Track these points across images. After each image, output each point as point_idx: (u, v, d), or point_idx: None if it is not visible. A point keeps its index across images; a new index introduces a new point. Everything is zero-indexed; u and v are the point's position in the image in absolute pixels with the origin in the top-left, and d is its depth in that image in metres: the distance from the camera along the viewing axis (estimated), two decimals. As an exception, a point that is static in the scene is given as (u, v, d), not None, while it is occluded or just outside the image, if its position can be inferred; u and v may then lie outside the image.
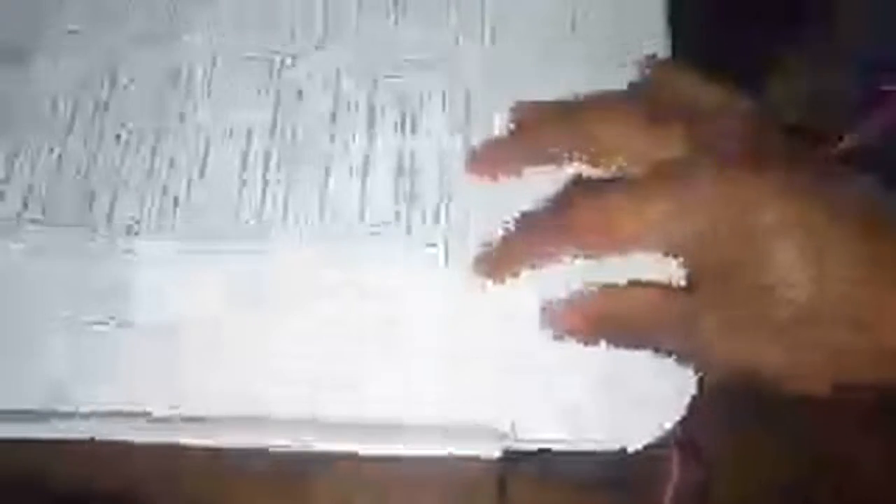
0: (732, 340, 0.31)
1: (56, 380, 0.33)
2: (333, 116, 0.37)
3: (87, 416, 0.32)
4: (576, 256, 0.33)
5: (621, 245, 0.32)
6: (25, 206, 0.36)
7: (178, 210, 0.36)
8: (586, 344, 0.33)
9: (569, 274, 0.33)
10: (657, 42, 0.38)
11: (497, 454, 0.32)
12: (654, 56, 0.37)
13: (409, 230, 0.35)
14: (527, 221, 0.34)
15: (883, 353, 0.30)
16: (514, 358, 0.33)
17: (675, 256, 0.32)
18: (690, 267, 0.32)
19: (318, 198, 0.36)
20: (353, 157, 0.37)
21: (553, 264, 0.33)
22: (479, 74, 0.38)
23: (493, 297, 0.34)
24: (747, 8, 0.41)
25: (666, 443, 0.33)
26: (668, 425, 0.32)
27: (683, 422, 0.32)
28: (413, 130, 0.37)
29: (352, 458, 0.32)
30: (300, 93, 0.38)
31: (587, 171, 0.34)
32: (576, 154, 0.34)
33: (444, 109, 0.38)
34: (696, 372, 0.32)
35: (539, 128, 0.36)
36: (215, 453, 0.32)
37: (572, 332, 0.33)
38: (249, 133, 0.37)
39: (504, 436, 0.32)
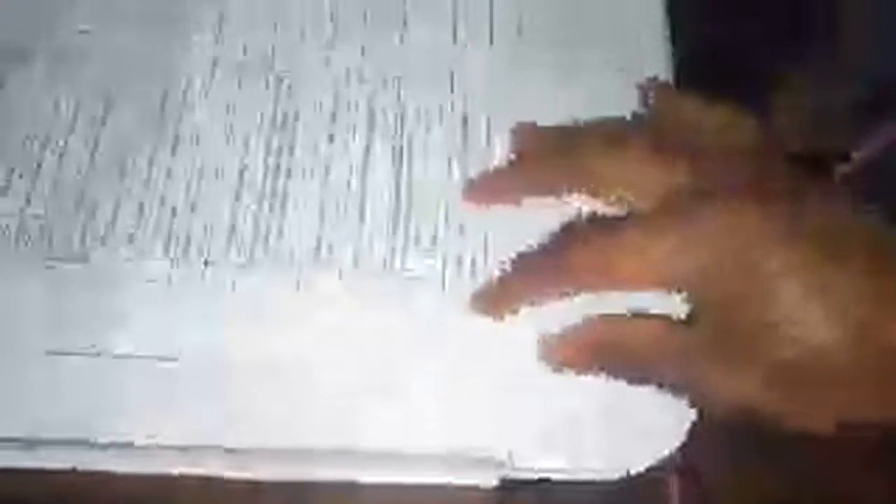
0: (733, 377, 0.30)
1: (43, 409, 0.32)
2: (331, 138, 0.37)
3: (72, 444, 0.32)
4: (575, 295, 0.32)
5: (621, 284, 0.32)
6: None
7: (172, 230, 0.35)
8: (585, 375, 0.32)
9: (568, 307, 0.32)
10: (659, 62, 0.38)
11: (495, 483, 0.32)
12: (655, 78, 0.37)
13: (405, 262, 0.35)
14: (524, 262, 0.34)
15: (887, 391, 0.30)
16: (511, 387, 0.33)
17: (678, 291, 0.31)
18: (692, 301, 0.31)
19: (316, 231, 0.35)
20: (350, 185, 0.36)
21: (552, 303, 0.33)
22: (480, 94, 0.38)
23: (492, 328, 0.33)
24: (749, 26, 0.41)
25: (666, 469, 0.33)
26: (668, 451, 0.32)
27: (683, 448, 0.32)
28: (410, 158, 0.37)
29: (349, 486, 0.32)
30: (297, 113, 0.38)
31: (588, 202, 0.34)
32: (576, 187, 0.34)
33: (442, 134, 0.37)
34: (694, 406, 0.32)
35: (539, 159, 0.35)
36: (206, 482, 0.31)
37: (568, 364, 0.32)
38: (243, 158, 0.37)
39: (501, 464, 0.32)
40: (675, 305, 0.32)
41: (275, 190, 0.36)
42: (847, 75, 0.41)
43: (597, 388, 0.32)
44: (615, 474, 0.32)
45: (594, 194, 0.33)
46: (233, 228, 0.35)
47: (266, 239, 0.35)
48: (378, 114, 0.38)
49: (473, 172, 0.36)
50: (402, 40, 0.40)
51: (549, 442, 0.32)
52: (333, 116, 0.38)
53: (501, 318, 0.33)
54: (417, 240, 0.35)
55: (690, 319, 0.31)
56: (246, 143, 0.37)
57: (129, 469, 0.31)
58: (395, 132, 0.37)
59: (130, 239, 0.35)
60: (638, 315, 0.32)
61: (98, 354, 0.33)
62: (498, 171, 0.36)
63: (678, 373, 0.31)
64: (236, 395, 0.32)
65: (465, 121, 0.38)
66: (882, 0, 0.41)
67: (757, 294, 0.30)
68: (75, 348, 0.33)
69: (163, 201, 0.36)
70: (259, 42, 0.39)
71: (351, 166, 0.37)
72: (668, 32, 0.39)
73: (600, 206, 0.33)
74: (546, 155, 0.35)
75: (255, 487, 0.32)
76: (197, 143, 0.37)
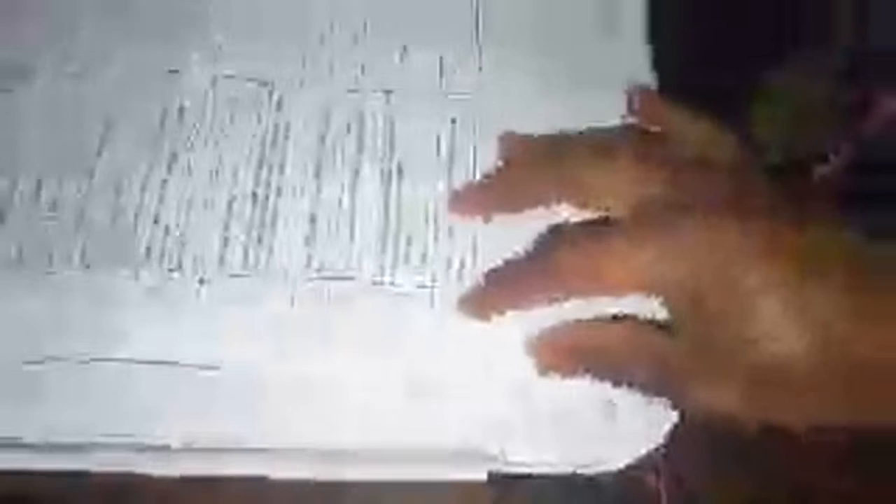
0: (711, 387, 0.31)
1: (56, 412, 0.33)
2: (320, 156, 0.38)
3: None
4: (563, 300, 0.33)
5: (607, 290, 0.33)
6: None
7: (166, 244, 0.36)
8: (570, 378, 0.33)
9: (554, 311, 0.34)
10: (643, 70, 0.39)
11: (486, 477, 0.33)
12: (640, 86, 0.38)
13: (395, 270, 0.36)
14: (512, 269, 0.35)
15: (859, 399, 0.31)
16: (503, 384, 0.34)
17: (660, 298, 0.32)
18: (673, 311, 0.32)
19: (304, 240, 0.36)
20: (340, 195, 0.37)
21: (540, 308, 0.34)
22: (467, 104, 0.39)
23: (482, 329, 0.34)
24: (729, 33, 0.42)
25: (651, 468, 0.34)
26: (652, 448, 0.33)
27: (667, 448, 0.33)
28: (400, 170, 0.38)
29: (341, 484, 0.33)
30: (288, 127, 0.38)
31: (574, 212, 0.35)
32: (562, 196, 0.34)
33: (433, 144, 0.38)
34: (675, 409, 0.33)
35: (526, 168, 0.36)
36: (211, 485, 0.33)
37: (552, 368, 0.33)
38: (236, 174, 0.38)
39: (494, 458, 0.33)
40: (657, 311, 0.33)
41: (265, 208, 0.37)
42: (826, 78, 0.42)
43: (587, 386, 0.33)
44: (602, 468, 0.33)
45: (580, 204, 0.34)
46: (225, 246, 0.36)
47: (258, 255, 0.36)
48: (367, 136, 0.38)
49: (459, 184, 0.37)
50: (400, 59, 0.40)
51: (540, 437, 0.33)
52: (322, 139, 0.38)
53: (488, 319, 0.34)
54: (407, 257, 0.36)
55: (670, 328, 0.32)
56: (235, 170, 0.37)
57: (166, 472, 0.33)
58: (384, 153, 0.38)
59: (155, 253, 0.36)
60: (618, 319, 0.33)
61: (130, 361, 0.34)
62: (483, 182, 0.37)
63: (657, 378, 0.32)
64: (242, 398, 0.34)
65: (452, 133, 0.38)
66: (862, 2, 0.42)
67: (736, 310, 0.30)
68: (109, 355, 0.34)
69: (156, 219, 0.36)
70: (255, 64, 0.40)
71: (341, 184, 0.37)
72: (649, 41, 0.40)
73: (585, 215, 0.34)
74: (533, 163, 0.36)
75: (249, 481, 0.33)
76: (189, 172, 0.37)
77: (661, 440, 0.33)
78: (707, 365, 0.31)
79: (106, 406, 0.33)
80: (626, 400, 0.33)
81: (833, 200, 0.35)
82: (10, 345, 0.34)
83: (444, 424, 0.34)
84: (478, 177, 0.37)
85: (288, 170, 0.38)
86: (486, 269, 0.35)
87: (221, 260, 0.36)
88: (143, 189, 0.37)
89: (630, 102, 0.37)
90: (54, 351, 0.34)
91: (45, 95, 0.39)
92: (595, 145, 0.35)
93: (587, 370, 0.33)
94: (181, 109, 0.39)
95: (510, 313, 0.34)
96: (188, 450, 0.33)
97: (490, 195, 0.36)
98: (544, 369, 0.34)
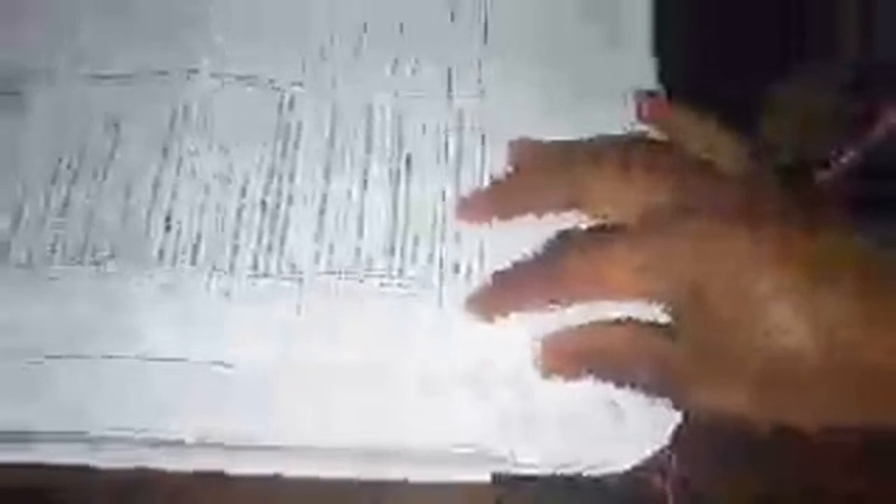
0: (718, 391, 0.32)
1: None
2: (330, 158, 0.38)
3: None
4: (567, 305, 0.34)
5: (611, 295, 0.33)
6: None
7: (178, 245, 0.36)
8: (574, 380, 0.34)
9: (558, 314, 0.34)
10: (648, 82, 0.39)
11: (493, 478, 0.34)
12: (650, 92, 0.38)
13: (403, 271, 0.36)
14: (519, 272, 0.35)
15: (869, 401, 0.31)
16: (509, 385, 0.34)
17: (662, 304, 0.32)
18: (676, 316, 0.32)
19: (314, 240, 0.37)
20: (349, 197, 0.38)
21: (544, 312, 0.34)
22: (475, 110, 0.39)
23: (488, 331, 0.35)
24: (737, 40, 0.42)
25: (657, 469, 0.34)
26: (657, 450, 0.34)
27: (672, 449, 0.34)
28: (408, 172, 0.38)
29: (350, 483, 0.34)
30: (300, 128, 0.39)
31: (581, 218, 0.35)
32: (571, 203, 0.35)
33: (440, 149, 0.39)
34: (678, 409, 0.33)
35: (536, 175, 0.36)
36: (224, 481, 0.34)
37: (556, 371, 0.34)
38: (247, 176, 0.38)
39: (503, 459, 0.34)
40: (661, 315, 0.33)
41: (276, 210, 0.37)
42: (832, 91, 0.42)
43: (588, 391, 0.34)
44: (610, 469, 0.33)
45: (587, 211, 0.35)
46: (236, 245, 0.36)
47: (268, 255, 0.36)
48: (375, 137, 0.39)
49: (467, 188, 0.37)
50: (394, 70, 0.41)
51: (547, 439, 0.34)
52: (331, 141, 0.39)
53: (492, 321, 0.35)
54: (414, 257, 0.36)
55: (672, 331, 0.32)
56: (246, 170, 0.38)
57: (179, 466, 0.33)
58: (392, 154, 0.38)
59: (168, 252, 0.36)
60: (620, 323, 0.33)
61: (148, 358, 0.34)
62: (491, 189, 0.37)
63: (659, 380, 0.33)
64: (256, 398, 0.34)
65: (460, 139, 0.39)
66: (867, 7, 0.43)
67: (746, 315, 0.31)
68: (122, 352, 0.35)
69: (168, 220, 0.37)
70: (260, 66, 0.40)
71: (350, 183, 0.38)
72: (655, 48, 0.40)
73: (593, 221, 0.35)
74: (543, 170, 0.36)
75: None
76: (193, 173, 0.38)
77: (666, 441, 0.34)
78: (713, 367, 0.32)
79: (120, 401, 0.34)
80: (630, 402, 0.34)
81: (842, 206, 0.35)
82: (23, 342, 0.35)
83: (454, 425, 0.34)
84: (486, 179, 0.38)
85: (298, 178, 0.38)
86: (492, 271, 0.36)
87: (233, 258, 0.36)
88: (154, 190, 0.37)
89: (639, 109, 0.38)
90: (67, 349, 0.35)
91: (54, 98, 0.40)
92: (604, 153, 0.35)
93: (590, 372, 0.34)
94: (188, 111, 0.39)
95: (514, 315, 0.35)
96: (202, 445, 0.33)
97: (498, 201, 0.37)
98: (547, 372, 0.34)
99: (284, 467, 0.34)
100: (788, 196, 0.34)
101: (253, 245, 0.37)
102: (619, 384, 0.34)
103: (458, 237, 0.37)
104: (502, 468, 0.34)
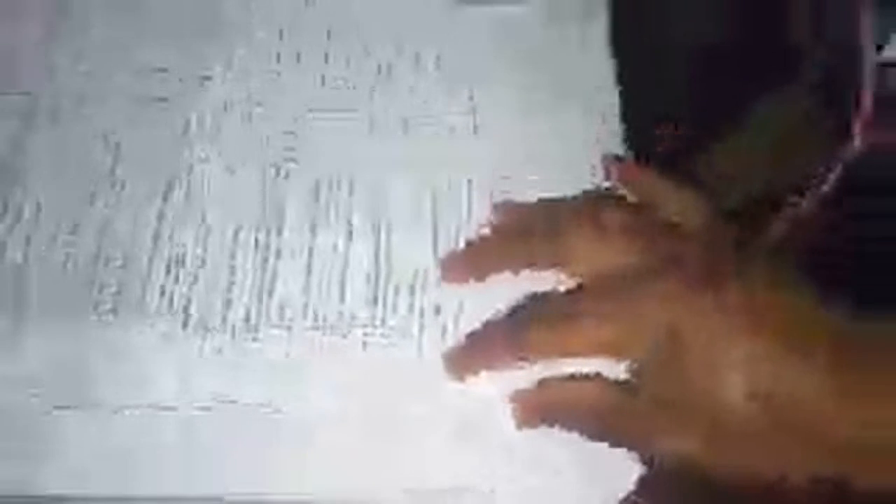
0: (675, 442, 0.33)
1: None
2: (315, 213, 0.41)
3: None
4: (532, 365, 0.36)
5: (574, 356, 0.35)
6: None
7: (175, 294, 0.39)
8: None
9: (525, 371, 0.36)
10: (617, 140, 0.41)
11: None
12: (616, 156, 0.40)
13: (384, 323, 0.38)
14: (488, 333, 0.37)
15: (841, 468, 0.32)
16: (494, 433, 0.37)
17: (626, 363, 0.34)
18: (636, 374, 0.34)
19: (301, 292, 0.39)
20: (333, 251, 0.40)
21: (512, 370, 0.36)
22: (459, 169, 0.42)
23: (462, 387, 0.37)
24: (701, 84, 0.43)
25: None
26: (623, 497, 0.35)
27: (638, 494, 0.35)
28: (390, 228, 0.40)
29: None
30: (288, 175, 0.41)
31: (559, 278, 0.37)
32: (547, 263, 0.37)
33: (422, 207, 0.41)
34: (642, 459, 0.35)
35: (514, 236, 0.39)
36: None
37: (524, 425, 0.36)
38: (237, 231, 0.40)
39: (485, 496, 0.36)
40: (622, 371, 0.35)
41: (266, 257, 0.40)
42: (803, 108, 0.43)
43: (559, 441, 0.36)
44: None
45: (562, 270, 0.37)
46: (229, 297, 0.39)
47: (259, 304, 0.39)
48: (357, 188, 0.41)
49: (451, 244, 0.40)
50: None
51: (528, 480, 0.36)
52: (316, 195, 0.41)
53: (463, 380, 0.37)
54: (395, 308, 0.39)
55: (631, 386, 0.34)
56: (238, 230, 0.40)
57: None
58: (376, 207, 0.41)
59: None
60: (588, 378, 0.35)
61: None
62: (474, 249, 0.39)
63: (622, 431, 0.35)
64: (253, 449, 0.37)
65: (446, 190, 0.41)
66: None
67: (714, 385, 0.32)
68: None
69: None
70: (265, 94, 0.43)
71: (335, 237, 0.40)
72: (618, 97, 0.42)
73: (571, 281, 0.37)
74: (521, 230, 0.39)
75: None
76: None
77: (632, 487, 0.36)
78: (673, 423, 0.34)
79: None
80: (596, 453, 0.36)
81: (800, 256, 0.37)
82: (28, 396, 0.37)
83: (435, 467, 0.36)
84: (468, 231, 0.40)
85: (286, 232, 0.40)
86: (467, 330, 0.38)
87: (225, 311, 0.39)
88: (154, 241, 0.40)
89: (608, 173, 0.40)
90: (74, 400, 0.37)
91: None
92: (578, 213, 0.37)
93: (558, 424, 0.36)
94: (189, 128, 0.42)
95: (484, 374, 0.37)
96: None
97: (478, 260, 0.39)
98: (520, 424, 0.36)
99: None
100: (746, 253, 0.35)
101: (245, 298, 0.39)
102: (587, 435, 0.35)
103: (438, 285, 0.39)
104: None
